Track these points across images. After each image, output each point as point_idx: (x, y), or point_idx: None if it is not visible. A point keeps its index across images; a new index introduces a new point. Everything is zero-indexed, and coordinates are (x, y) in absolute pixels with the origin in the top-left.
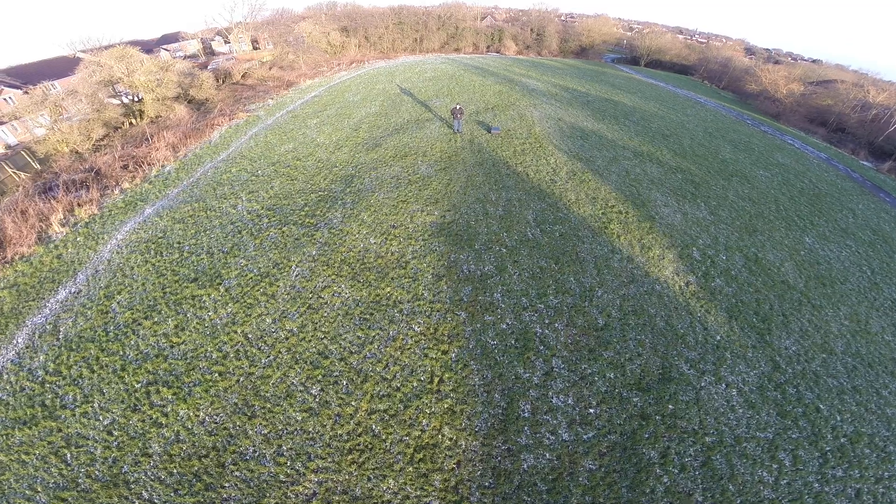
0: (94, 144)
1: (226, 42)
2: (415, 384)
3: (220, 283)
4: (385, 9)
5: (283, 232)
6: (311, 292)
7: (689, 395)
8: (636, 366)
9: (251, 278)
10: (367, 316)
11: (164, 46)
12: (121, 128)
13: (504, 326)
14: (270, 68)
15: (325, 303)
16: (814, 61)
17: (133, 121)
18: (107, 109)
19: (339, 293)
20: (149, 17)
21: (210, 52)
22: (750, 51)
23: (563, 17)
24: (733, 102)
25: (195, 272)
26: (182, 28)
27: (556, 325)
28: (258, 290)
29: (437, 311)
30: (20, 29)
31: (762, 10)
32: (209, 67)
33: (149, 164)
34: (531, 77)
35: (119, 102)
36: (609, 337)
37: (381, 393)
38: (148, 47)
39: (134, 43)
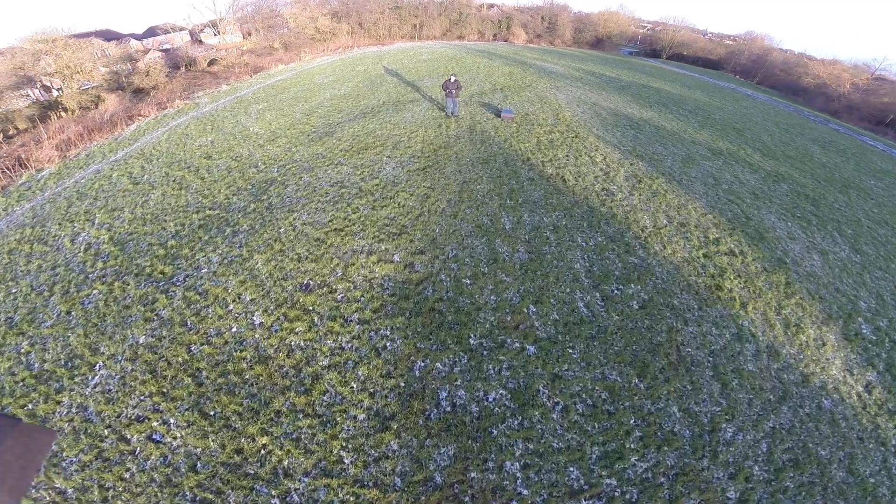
0: None
1: (215, 35)
2: None
3: None
4: None
5: (113, 290)
6: (111, 428)
7: None
8: None
9: (23, 382)
10: (208, 496)
11: (145, 39)
12: (47, 122)
13: None
14: (242, 55)
15: (129, 453)
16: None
17: (63, 114)
18: (2, 103)
19: (163, 437)
20: (140, 11)
21: (199, 43)
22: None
23: (573, 15)
24: (779, 97)
25: None
26: (172, 21)
27: None
28: (23, 409)
29: None
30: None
31: (767, 10)
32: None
33: (25, 168)
34: (547, 61)
35: (30, 94)
36: None
37: None
38: (128, 38)
39: (110, 33)
